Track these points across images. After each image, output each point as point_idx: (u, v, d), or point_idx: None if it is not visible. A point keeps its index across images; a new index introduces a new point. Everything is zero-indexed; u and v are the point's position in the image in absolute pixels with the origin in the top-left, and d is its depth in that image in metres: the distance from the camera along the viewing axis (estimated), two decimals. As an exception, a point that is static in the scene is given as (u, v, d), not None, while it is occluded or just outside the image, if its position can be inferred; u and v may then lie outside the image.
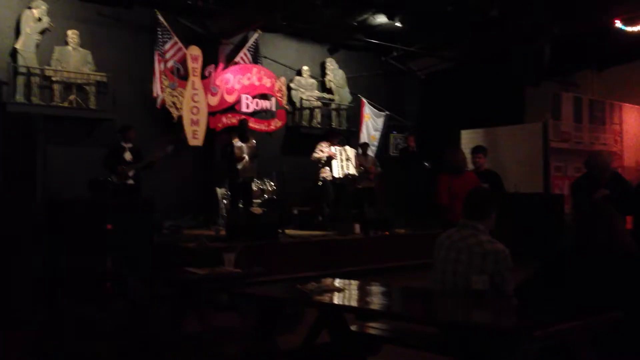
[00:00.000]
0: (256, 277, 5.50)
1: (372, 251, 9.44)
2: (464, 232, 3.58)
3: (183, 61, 11.10)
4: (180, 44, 11.04)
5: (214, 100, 11.46)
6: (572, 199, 7.45)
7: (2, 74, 9.59)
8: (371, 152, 12.50)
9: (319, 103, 13.18)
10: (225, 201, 10.51)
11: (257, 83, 11.91)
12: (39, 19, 9.87)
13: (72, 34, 10.17)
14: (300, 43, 13.18)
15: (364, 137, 13.36)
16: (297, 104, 12.90)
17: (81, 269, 6.34)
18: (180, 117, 10.97)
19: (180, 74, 11.11)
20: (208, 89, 11.37)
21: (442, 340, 3.28)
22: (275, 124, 12.30)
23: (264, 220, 8.60)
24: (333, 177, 10.69)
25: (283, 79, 12.36)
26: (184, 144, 10.90)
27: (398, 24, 11.95)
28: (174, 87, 10.93)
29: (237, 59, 11.92)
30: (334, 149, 10.72)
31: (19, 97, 9.60)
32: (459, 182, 6.46)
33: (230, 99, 11.70)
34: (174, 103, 10.92)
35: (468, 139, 12.58)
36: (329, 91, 13.46)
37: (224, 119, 11.59)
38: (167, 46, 10.92)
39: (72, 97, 10.03)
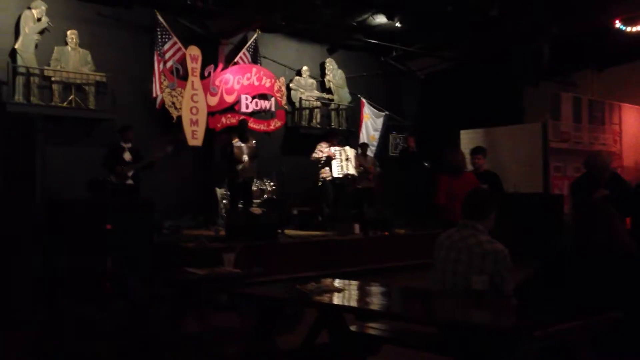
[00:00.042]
0: (256, 278, 5.50)
1: (371, 251, 9.43)
2: (464, 232, 3.59)
3: (182, 61, 11.10)
4: (179, 44, 11.04)
5: (213, 101, 11.46)
6: (571, 199, 7.46)
7: (1, 74, 9.59)
8: (371, 152, 12.50)
9: (318, 103, 13.18)
10: (224, 201, 10.51)
11: (256, 83, 11.91)
12: (39, 19, 9.86)
13: (71, 34, 10.17)
14: (300, 43, 13.18)
15: (363, 137, 13.37)
16: (297, 104, 12.90)
17: (81, 269, 6.34)
18: (179, 117, 10.97)
19: (180, 74, 11.11)
20: (207, 89, 11.37)
21: (442, 340, 3.28)
22: (275, 124, 12.31)
23: (264, 220, 8.60)
24: (333, 177, 10.68)
25: (282, 79, 12.36)
26: (184, 144, 10.90)
27: (397, 24, 11.97)
28: (173, 87, 10.93)
29: (237, 59, 11.93)
30: (334, 149, 10.71)
31: (18, 97, 9.60)
32: (458, 182, 6.47)
33: (230, 99, 11.70)
34: (173, 103, 10.91)
35: (467, 139, 12.59)
36: (329, 91, 13.47)
37: (224, 119, 11.59)
38: (167, 46, 10.93)
39: (71, 97, 10.03)
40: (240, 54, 11.96)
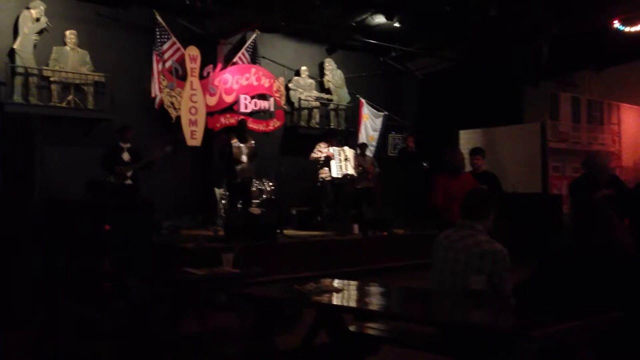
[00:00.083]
0: (255, 278, 5.50)
1: (370, 251, 9.44)
2: (462, 232, 3.59)
3: (181, 61, 11.09)
4: (178, 44, 11.03)
5: (212, 101, 11.45)
6: (570, 199, 7.45)
7: None
8: (370, 152, 12.50)
9: (317, 103, 13.18)
10: (223, 201, 10.50)
11: (255, 83, 11.91)
12: (37, 19, 9.86)
13: (70, 34, 10.16)
14: (299, 43, 13.18)
15: (362, 138, 13.36)
16: (296, 104, 12.90)
17: (80, 269, 6.34)
18: (178, 118, 10.96)
19: (179, 74, 11.10)
20: (206, 89, 11.36)
21: (441, 340, 3.28)
22: (274, 124, 12.30)
23: (263, 220, 8.60)
24: (332, 177, 10.68)
25: (281, 79, 12.35)
26: (183, 144, 10.89)
27: (397, 24, 11.96)
28: (172, 87, 10.92)
29: (236, 59, 11.92)
30: (333, 150, 10.71)
31: (17, 98, 9.59)
32: (455, 183, 6.47)
33: (229, 99, 11.69)
34: (172, 103, 10.90)
35: (466, 139, 12.59)
36: (328, 91, 13.46)
37: (223, 119, 11.59)
38: (166, 46, 10.92)
39: (70, 97, 10.02)
40: (239, 54, 11.96)
